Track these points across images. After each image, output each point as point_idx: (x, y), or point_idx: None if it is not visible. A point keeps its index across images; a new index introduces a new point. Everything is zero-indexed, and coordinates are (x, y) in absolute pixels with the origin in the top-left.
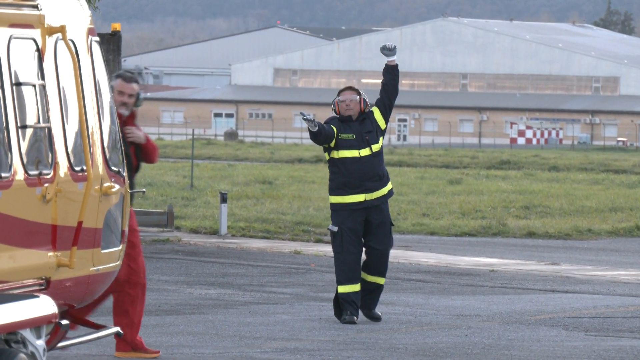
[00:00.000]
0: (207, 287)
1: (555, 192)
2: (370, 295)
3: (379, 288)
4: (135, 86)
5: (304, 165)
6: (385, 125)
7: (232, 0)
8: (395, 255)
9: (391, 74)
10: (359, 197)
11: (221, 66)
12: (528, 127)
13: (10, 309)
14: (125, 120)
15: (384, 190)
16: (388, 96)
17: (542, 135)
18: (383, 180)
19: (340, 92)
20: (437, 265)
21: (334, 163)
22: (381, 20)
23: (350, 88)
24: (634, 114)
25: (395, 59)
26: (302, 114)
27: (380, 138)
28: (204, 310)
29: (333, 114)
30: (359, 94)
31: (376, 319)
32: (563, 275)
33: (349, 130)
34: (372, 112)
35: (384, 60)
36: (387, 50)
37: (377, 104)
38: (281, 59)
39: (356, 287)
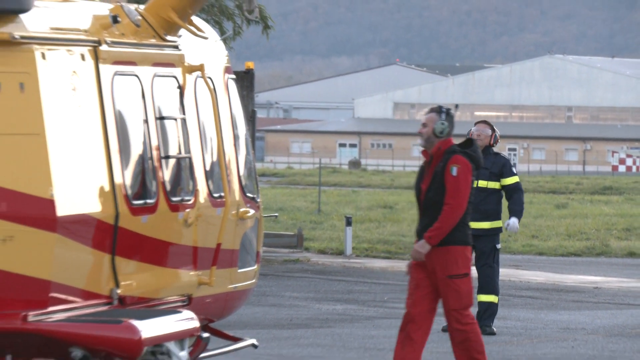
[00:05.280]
0: (334, 303)
1: None
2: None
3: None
4: (432, 116)
5: None
6: (499, 187)
7: (354, 40)
8: (507, 274)
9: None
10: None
11: (345, 100)
12: (628, 156)
13: (157, 323)
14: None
15: (484, 224)
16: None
17: None
18: (489, 219)
19: (476, 123)
20: (546, 282)
21: None
22: (492, 58)
23: (484, 122)
24: None
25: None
26: None
27: (492, 182)
28: (332, 324)
29: None
30: (493, 130)
31: (489, 334)
32: None
33: None
34: (503, 165)
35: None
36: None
37: (507, 197)
38: (400, 94)
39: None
